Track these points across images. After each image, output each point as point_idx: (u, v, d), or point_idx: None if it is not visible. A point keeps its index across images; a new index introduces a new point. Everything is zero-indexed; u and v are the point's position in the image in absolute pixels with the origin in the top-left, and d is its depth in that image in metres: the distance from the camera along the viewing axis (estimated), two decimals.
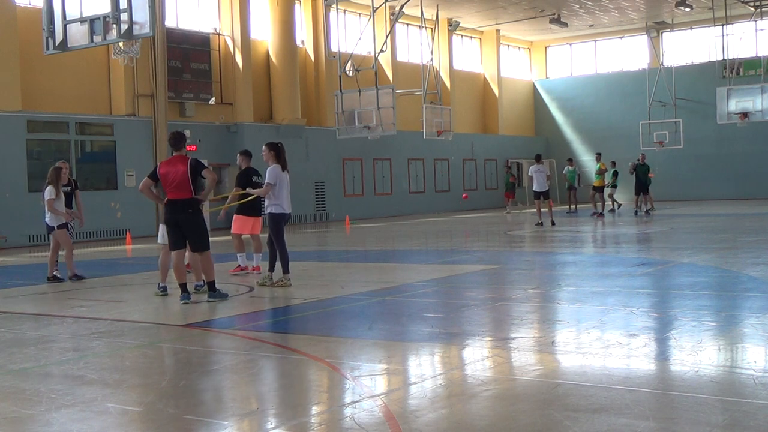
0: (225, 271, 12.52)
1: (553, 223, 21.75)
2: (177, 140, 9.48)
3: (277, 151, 10.65)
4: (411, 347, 6.88)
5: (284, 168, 10.68)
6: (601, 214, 25.91)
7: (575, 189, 29.48)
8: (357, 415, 4.81)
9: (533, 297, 9.46)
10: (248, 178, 12.39)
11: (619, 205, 30.38)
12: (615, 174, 28.70)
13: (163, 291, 10.18)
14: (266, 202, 10.75)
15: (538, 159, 22.78)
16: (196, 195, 9.41)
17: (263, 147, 10.85)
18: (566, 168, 29.58)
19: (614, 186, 29.09)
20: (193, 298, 9.66)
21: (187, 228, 9.43)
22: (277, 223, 10.66)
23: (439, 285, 10.76)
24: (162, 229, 10.18)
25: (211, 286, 9.61)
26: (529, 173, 22.97)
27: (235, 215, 12.53)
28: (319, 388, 5.75)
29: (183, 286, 9.50)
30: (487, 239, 19.75)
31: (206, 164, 10.80)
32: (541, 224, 21.82)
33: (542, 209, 22.48)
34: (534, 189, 22.52)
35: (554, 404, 4.88)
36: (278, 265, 10.75)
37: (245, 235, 12.67)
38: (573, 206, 29.63)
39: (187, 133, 25.55)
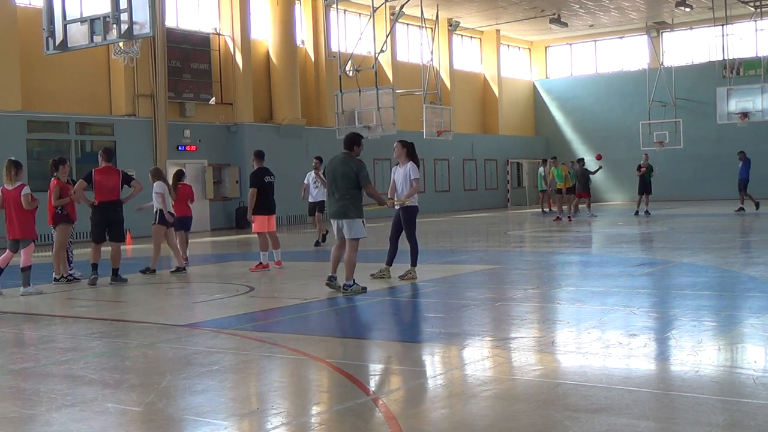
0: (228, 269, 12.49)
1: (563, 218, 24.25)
2: (109, 154, 11.98)
3: (411, 149, 11.62)
4: (411, 347, 6.88)
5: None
6: (559, 218, 24.14)
7: (545, 191, 29.12)
8: (357, 415, 4.81)
9: (533, 297, 9.46)
10: (261, 177, 13.11)
11: (575, 212, 27.99)
12: (574, 175, 27.59)
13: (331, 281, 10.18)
14: (403, 197, 11.37)
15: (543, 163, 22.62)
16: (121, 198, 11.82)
17: (396, 144, 11.74)
18: (552, 169, 29.33)
19: (572, 188, 28.39)
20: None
21: (114, 223, 11.70)
22: (415, 215, 11.39)
23: (439, 285, 10.76)
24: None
25: (116, 272, 11.68)
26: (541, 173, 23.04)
27: (253, 215, 13.14)
28: (319, 388, 5.74)
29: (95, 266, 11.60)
30: (487, 239, 19.74)
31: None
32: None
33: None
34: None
35: (554, 404, 4.88)
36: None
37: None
38: (548, 208, 29.10)
39: (187, 133, 25.65)
